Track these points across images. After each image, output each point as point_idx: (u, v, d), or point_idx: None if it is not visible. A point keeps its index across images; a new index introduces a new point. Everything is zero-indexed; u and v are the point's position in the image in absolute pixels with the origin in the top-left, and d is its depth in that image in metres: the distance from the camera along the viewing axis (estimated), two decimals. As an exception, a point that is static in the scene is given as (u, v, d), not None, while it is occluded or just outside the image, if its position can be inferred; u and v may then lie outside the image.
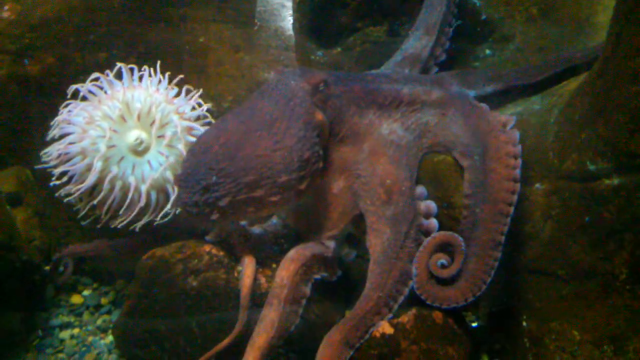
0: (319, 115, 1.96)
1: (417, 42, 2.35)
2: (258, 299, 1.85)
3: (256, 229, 2.05)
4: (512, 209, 1.76)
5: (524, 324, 1.77)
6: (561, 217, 1.74)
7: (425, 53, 2.31)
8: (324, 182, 1.99)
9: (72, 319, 2.31)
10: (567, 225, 1.73)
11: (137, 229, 2.13)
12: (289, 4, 2.56)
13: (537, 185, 1.80)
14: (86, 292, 2.42)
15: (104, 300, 2.40)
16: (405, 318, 1.75)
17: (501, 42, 2.48)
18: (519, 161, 1.82)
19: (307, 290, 1.83)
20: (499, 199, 1.78)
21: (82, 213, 2.16)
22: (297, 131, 1.89)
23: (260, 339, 1.71)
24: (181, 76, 2.26)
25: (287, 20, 2.57)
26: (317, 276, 1.87)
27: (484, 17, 2.48)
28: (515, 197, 1.78)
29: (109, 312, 2.36)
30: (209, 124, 2.28)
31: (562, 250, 1.72)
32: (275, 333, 1.73)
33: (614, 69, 1.64)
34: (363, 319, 1.74)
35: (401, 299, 1.80)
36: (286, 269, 1.80)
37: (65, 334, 2.25)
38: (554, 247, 1.74)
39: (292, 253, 1.84)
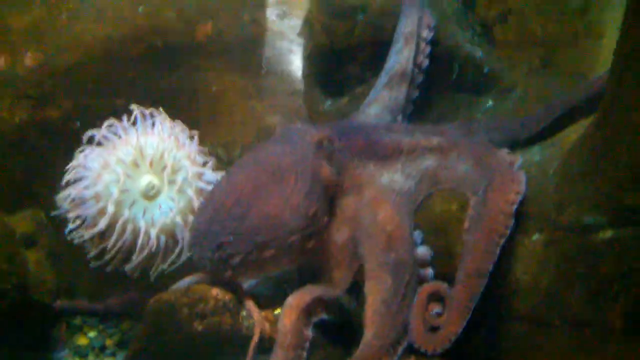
0: (325, 171, 1.99)
1: (399, 55, 2.37)
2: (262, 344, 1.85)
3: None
4: (502, 241, 1.76)
5: (523, 373, 1.77)
6: (559, 268, 1.74)
7: (410, 65, 2.33)
8: (328, 234, 2.00)
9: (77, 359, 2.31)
10: (564, 275, 1.73)
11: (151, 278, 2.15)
12: (297, 49, 2.59)
13: (536, 235, 1.81)
14: (92, 334, 2.42)
15: (108, 342, 2.41)
16: (405, 365, 1.74)
17: (503, 94, 2.51)
18: (519, 198, 1.81)
19: (310, 333, 1.84)
20: (492, 229, 1.78)
21: (93, 255, 2.17)
22: (304, 188, 1.93)
23: None
24: (194, 131, 2.31)
25: (294, 65, 2.60)
26: (318, 319, 1.86)
27: (486, 69, 2.51)
28: (508, 232, 1.78)
29: (113, 354, 2.36)
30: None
31: (559, 301, 1.73)
32: None
33: (612, 123, 1.67)
34: None
35: (402, 348, 1.80)
36: (288, 316, 1.81)
37: None
38: (552, 297, 1.75)
39: (292, 299, 1.85)
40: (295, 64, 2.61)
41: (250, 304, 1.91)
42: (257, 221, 1.88)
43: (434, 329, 1.78)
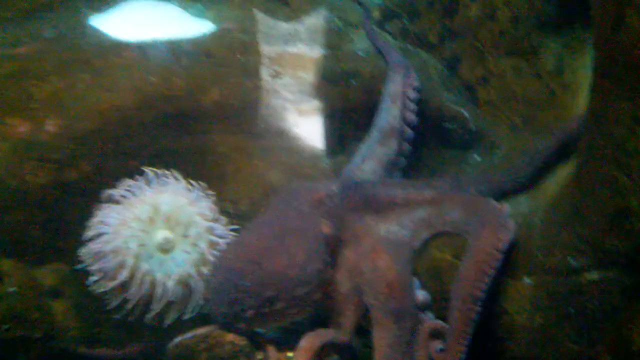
0: (326, 227, 2.09)
1: (387, 113, 2.49)
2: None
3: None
4: (493, 272, 1.84)
5: (520, 409, 1.83)
6: (548, 308, 1.82)
7: (398, 121, 2.45)
8: (333, 284, 2.09)
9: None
10: (554, 315, 1.81)
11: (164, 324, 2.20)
12: (291, 107, 2.69)
13: (526, 279, 1.90)
14: None
15: None
16: (411, 403, 1.81)
17: (489, 149, 2.62)
18: (509, 238, 1.90)
19: None
20: (484, 261, 1.86)
21: (114, 305, 2.23)
22: (307, 245, 2.05)
23: None
24: (204, 189, 2.40)
25: (289, 122, 2.69)
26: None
27: (472, 127, 2.63)
28: (498, 264, 1.86)
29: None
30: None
31: (551, 339, 1.80)
32: None
33: (588, 177, 1.77)
34: None
35: None
36: (301, 358, 1.88)
37: None
38: (543, 335, 1.82)
39: (305, 342, 1.92)
40: (289, 121, 2.69)
41: (270, 350, 1.97)
42: (266, 279, 2.00)
43: None
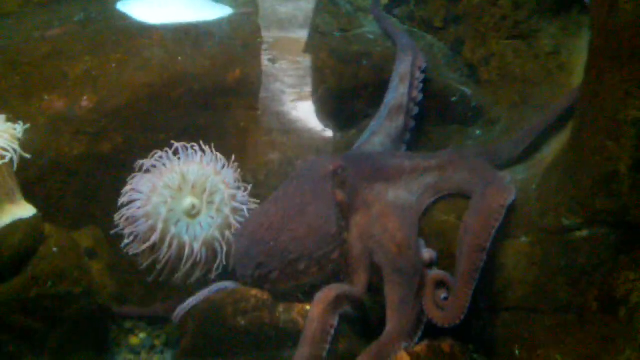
0: (339, 195, 2.21)
1: (396, 92, 2.61)
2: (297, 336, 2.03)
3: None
4: (497, 225, 1.97)
5: (516, 352, 1.96)
6: (543, 263, 1.94)
7: (405, 99, 2.57)
8: (347, 246, 2.21)
9: (132, 356, 2.47)
10: (548, 269, 1.93)
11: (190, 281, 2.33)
12: (289, 91, 2.79)
13: (523, 238, 2.02)
14: (142, 335, 2.57)
15: (156, 342, 2.56)
16: (419, 348, 1.94)
17: (489, 125, 2.73)
18: (511, 199, 2.03)
19: (335, 322, 2.02)
20: (488, 216, 1.99)
21: (145, 266, 2.36)
22: (324, 212, 2.16)
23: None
24: (228, 160, 2.51)
25: (287, 106, 2.79)
26: (342, 310, 2.05)
27: (474, 104, 2.74)
28: (501, 219, 1.99)
29: (162, 352, 2.52)
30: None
31: (544, 290, 1.92)
32: (310, 358, 1.93)
33: (581, 145, 1.89)
34: (385, 351, 1.94)
35: (417, 336, 2.00)
36: (316, 307, 2.01)
37: None
38: (538, 288, 1.94)
39: (321, 294, 2.05)
40: (287, 105, 2.79)
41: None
42: (287, 243, 2.13)
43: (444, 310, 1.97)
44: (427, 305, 2.00)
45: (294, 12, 3.01)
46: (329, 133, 2.78)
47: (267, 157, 2.72)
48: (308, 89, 2.80)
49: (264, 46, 2.81)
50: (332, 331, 2.00)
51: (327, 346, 1.98)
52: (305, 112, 2.80)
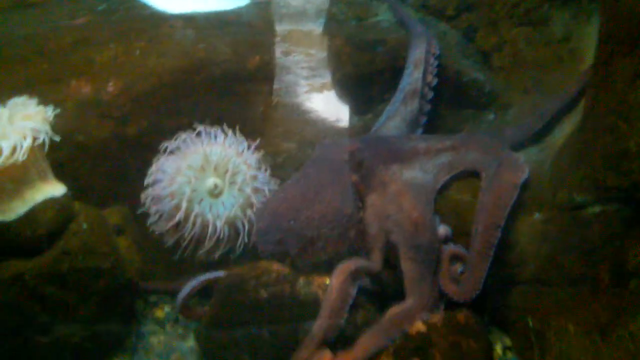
0: (355, 177, 2.25)
1: (410, 77, 2.65)
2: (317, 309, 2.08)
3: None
4: (511, 202, 2.01)
5: (530, 323, 2.00)
6: (556, 239, 1.99)
7: (420, 83, 2.61)
8: (364, 225, 2.25)
9: (157, 328, 2.51)
10: (561, 244, 1.97)
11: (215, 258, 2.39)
12: (302, 82, 2.84)
13: (537, 215, 2.06)
14: (167, 308, 2.61)
15: (180, 315, 2.61)
16: (435, 318, 1.99)
17: (502, 109, 2.76)
18: (524, 177, 2.07)
19: (353, 292, 2.07)
20: (502, 195, 2.03)
21: (170, 243, 2.41)
22: (341, 193, 2.19)
23: (316, 327, 1.98)
24: (249, 142, 2.56)
25: (301, 97, 2.83)
26: (361, 283, 2.10)
27: (487, 89, 2.77)
28: (514, 198, 2.03)
29: (185, 324, 2.57)
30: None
31: (557, 264, 1.96)
32: (329, 325, 1.98)
33: (592, 125, 1.93)
34: (403, 323, 1.98)
35: (437, 308, 2.04)
36: (336, 277, 2.07)
37: (153, 340, 2.43)
38: (551, 262, 1.98)
39: (341, 265, 2.10)
40: (322, 83, 2.83)
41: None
42: (306, 222, 2.18)
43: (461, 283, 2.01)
44: (443, 280, 2.04)
45: (305, 4, 3.04)
46: (343, 123, 2.80)
47: (284, 146, 2.75)
48: (321, 81, 2.83)
49: (277, 39, 2.85)
50: (350, 301, 2.04)
51: (345, 314, 2.02)
52: (319, 103, 2.82)
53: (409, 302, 2.05)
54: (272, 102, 2.79)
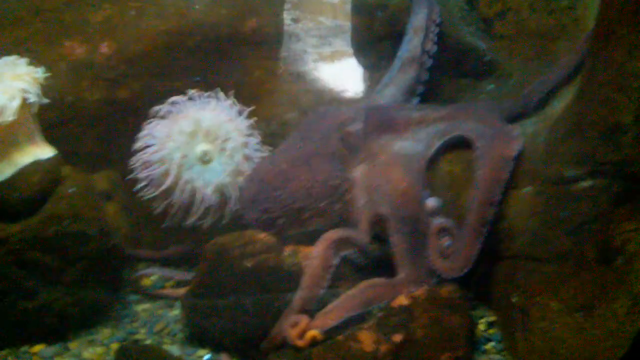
0: (344, 147, 2.19)
1: (410, 44, 2.57)
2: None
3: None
4: (507, 177, 1.96)
5: (513, 300, 1.95)
6: (546, 212, 1.92)
7: (418, 51, 2.53)
8: (351, 197, 2.21)
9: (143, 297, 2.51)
10: (549, 218, 1.91)
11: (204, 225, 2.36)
12: (311, 50, 2.78)
13: (527, 188, 2.00)
14: (154, 277, 2.62)
15: (167, 285, 2.60)
16: (418, 292, 1.94)
17: (502, 79, 2.68)
18: (518, 149, 2.00)
19: (336, 262, 2.03)
20: (498, 168, 1.97)
21: (159, 210, 2.38)
22: (329, 163, 2.15)
23: (296, 296, 1.96)
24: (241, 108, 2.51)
25: (308, 66, 2.76)
26: (344, 253, 2.06)
27: (488, 58, 2.69)
28: (510, 171, 1.97)
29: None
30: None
31: (544, 239, 1.91)
32: (308, 293, 1.95)
33: (588, 97, 1.86)
34: (389, 294, 1.94)
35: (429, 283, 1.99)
36: (320, 245, 2.04)
37: (138, 308, 2.43)
38: (538, 236, 1.93)
39: (327, 234, 2.07)
40: (319, 49, 2.77)
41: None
42: (293, 192, 2.14)
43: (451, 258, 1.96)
44: (432, 254, 1.99)
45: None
46: (349, 93, 2.75)
47: (288, 116, 2.73)
48: (330, 49, 2.76)
49: (287, 5, 2.79)
50: (332, 269, 2.01)
51: (325, 283, 1.99)
52: (327, 72, 2.79)
53: (399, 276, 2.00)
54: (278, 69, 2.72)
